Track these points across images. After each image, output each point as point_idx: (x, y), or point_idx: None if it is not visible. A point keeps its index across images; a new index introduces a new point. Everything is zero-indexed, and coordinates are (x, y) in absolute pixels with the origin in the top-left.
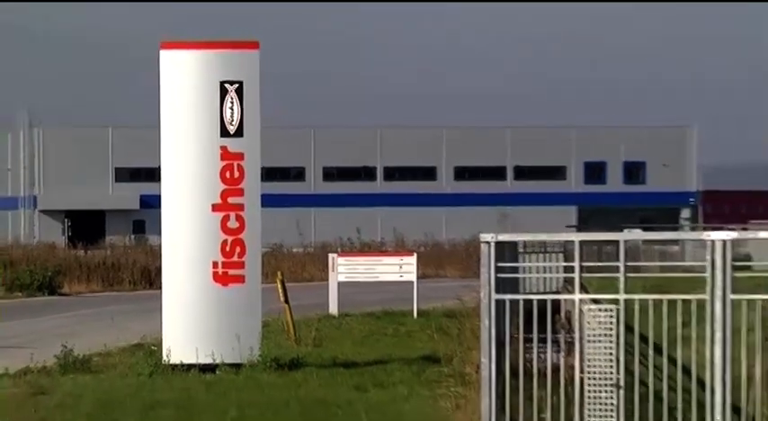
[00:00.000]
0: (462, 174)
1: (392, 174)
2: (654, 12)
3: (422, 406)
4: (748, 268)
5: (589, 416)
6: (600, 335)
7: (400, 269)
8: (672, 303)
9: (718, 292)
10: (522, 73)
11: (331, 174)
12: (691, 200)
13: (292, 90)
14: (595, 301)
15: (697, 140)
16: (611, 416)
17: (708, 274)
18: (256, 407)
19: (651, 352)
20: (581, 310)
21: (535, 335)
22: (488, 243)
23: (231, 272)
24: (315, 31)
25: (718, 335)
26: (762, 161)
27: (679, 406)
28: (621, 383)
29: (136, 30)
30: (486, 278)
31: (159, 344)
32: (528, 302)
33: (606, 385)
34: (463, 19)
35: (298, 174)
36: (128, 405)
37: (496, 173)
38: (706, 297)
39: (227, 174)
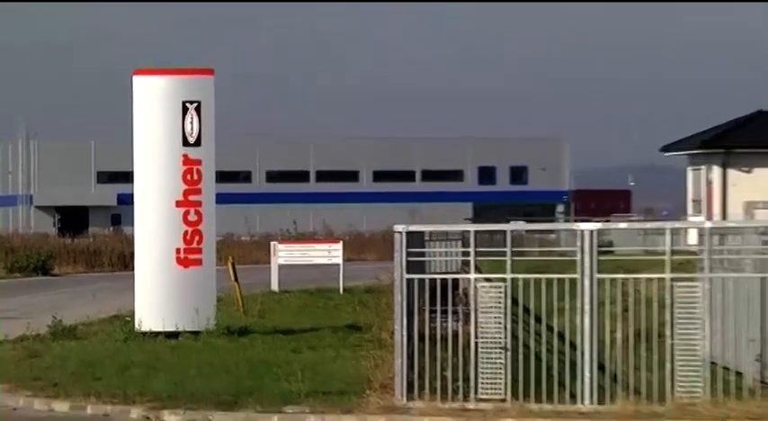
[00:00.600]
0: (379, 176)
1: (322, 176)
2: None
3: (346, 365)
4: (611, 253)
5: (482, 372)
6: (490, 307)
7: (329, 254)
8: (549, 281)
9: (587, 272)
10: (435, 86)
11: (272, 176)
12: (564, 197)
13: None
14: (487, 280)
15: (569, 149)
16: (500, 374)
17: (578, 258)
18: (212, 366)
19: (532, 321)
20: (475, 287)
21: (438, 307)
22: (400, 233)
23: (191, 256)
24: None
25: (587, 307)
26: (624, 164)
27: (555, 364)
28: (508, 346)
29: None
30: (398, 261)
31: (132, 316)
32: (432, 281)
33: (496, 348)
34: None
35: (246, 176)
36: (106, 365)
37: (407, 176)
38: (577, 276)
39: (188, 177)
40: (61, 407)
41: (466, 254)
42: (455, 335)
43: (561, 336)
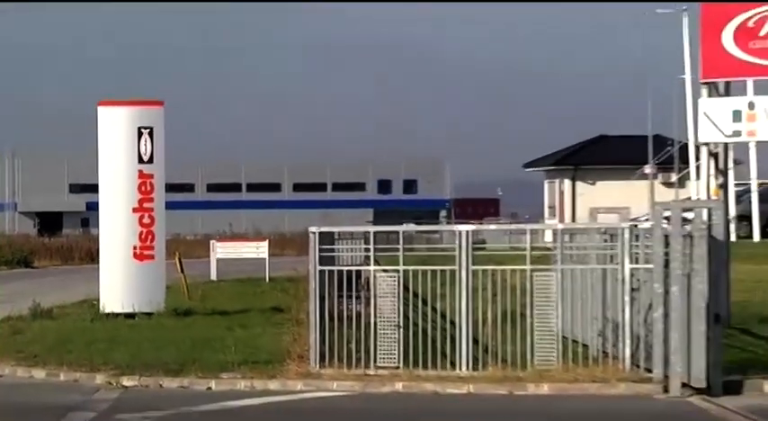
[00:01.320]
0: (298, 188)
1: (252, 187)
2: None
3: (271, 340)
4: (483, 249)
5: (380, 345)
6: (387, 293)
7: (257, 250)
8: (434, 272)
9: (464, 265)
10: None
11: (211, 187)
12: (446, 204)
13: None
14: (384, 271)
15: (450, 166)
16: (394, 346)
17: (456, 253)
18: (161, 340)
19: (420, 303)
20: (375, 277)
21: (345, 293)
22: (314, 233)
23: (145, 252)
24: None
25: (464, 292)
26: (494, 178)
27: (438, 339)
28: (401, 324)
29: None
30: (312, 256)
31: (97, 300)
32: (340, 272)
33: (391, 325)
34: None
35: (190, 187)
36: (76, 340)
37: (320, 187)
38: (456, 268)
39: (142, 188)
40: (39, 374)
41: (367, 250)
42: (358, 315)
43: (443, 316)
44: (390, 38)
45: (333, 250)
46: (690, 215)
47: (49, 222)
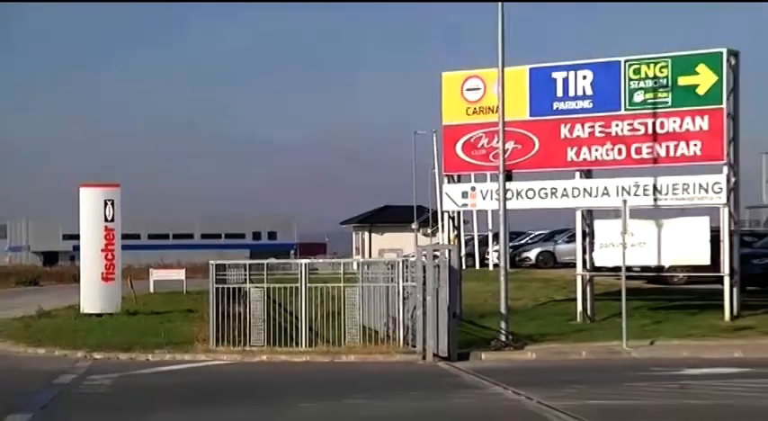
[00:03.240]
0: (204, 236)
1: (176, 236)
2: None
3: (186, 329)
4: (316, 273)
5: (252, 333)
6: (256, 300)
7: (178, 275)
8: (286, 287)
9: (303, 283)
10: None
11: (151, 236)
12: (294, 246)
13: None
14: (256, 287)
15: (297, 219)
16: (261, 333)
17: (299, 276)
18: (118, 330)
19: (277, 306)
20: (249, 291)
21: (231, 301)
22: (212, 264)
23: (109, 276)
24: None
25: (303, 299)
26: (324, 230)
27: (288, 328)
28: (265, 319)
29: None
30: (211, 278)
31: (79, 305)
32: (229, 288)
33: (259, 320)
34: None
35: (137, 236)
36: (65, 330)
37: (217, 236)
38: (299, 285)
39: (107, 237)
40: (41, 351)
41: (244, 274)
42: (239, 314)
43: (291, 314)
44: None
45: (224, 275)
46: (438, 253)
47: (50, 258)
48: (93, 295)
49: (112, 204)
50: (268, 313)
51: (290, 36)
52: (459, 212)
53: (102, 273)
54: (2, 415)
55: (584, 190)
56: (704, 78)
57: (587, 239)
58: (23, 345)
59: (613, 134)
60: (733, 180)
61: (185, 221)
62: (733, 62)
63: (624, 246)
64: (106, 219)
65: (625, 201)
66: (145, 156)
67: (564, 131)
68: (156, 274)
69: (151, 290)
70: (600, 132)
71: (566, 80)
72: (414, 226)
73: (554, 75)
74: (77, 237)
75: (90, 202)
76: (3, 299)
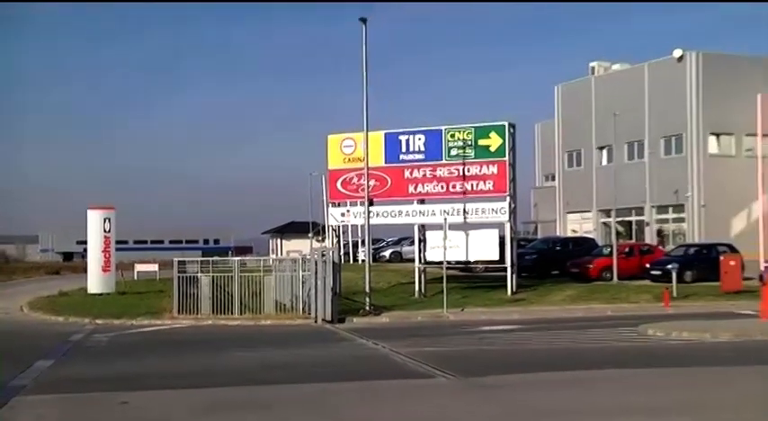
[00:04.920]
0: (171, 242)
1: (153, 242)
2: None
3: (159, 303)
4: (246, 266)
5: (203, 306)
6: (205, 284)
7: (153, 268)
8: (225, 276)
9: (236, 273)
10: None
11: (137, 242)
12: (231, 249)
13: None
14: (206, 275)
15: (234, 229)
16: (209, 305)
17: (234, 268)
18: (113, 304)
19: (219, 288)
20: (200, 278)
21: (190, 284)
22: (176, 260)
23: (106, 268)
24: None
25: (236, 284)
26: (251, 237)
27: (226, 302)
28: (210, 297)
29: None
30: (175, 270)
31: (87, 288)
32: (188, 276)
33: (207, 297)
34: None
35: (126, 242)
36: (77, 304)
37: (180, 242)
38: (233, 274)
39: (105, 243)
40: (60, 318)
41: (198, 267)
42: (194, 294)
43: (229, 293)
44: None
45: (184, 267)
46: (325, 253)
47: (67, 256)
48: (96, 281)
49: (109, 220)
50: (213, 293)
51: (216, 110)
52: (339, 226)
53: (102, 266)
54: (35, 360)
55: (420, 212)
56: (494, 141)
57: (422, 244)
58: (49, 314)
59: (438, 176)
60: (513, 205)
61: (159, 231)
62: (512, 131)
63: (444, 248)
64: (105, 231)
65: (445, 219)
66: (135, 188)
67: (406, 174)
68: (139, 268)
69: (135, 278)
70: (429, 174)
71: (407, 140)
72: (310, 235)
73: (400, 137)
74: (86, 242)
75: (94, 219)
76: (36, 283)
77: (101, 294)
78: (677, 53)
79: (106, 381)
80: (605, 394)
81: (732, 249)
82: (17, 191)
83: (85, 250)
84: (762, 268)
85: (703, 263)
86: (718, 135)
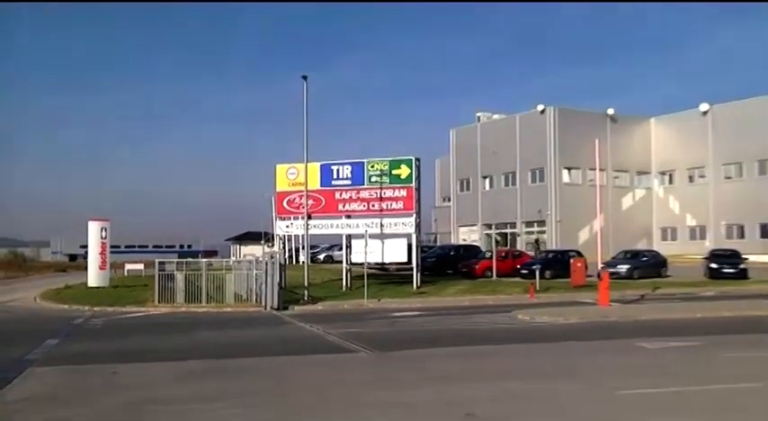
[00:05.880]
0: (155, 246)
1: (140, 246)
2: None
3: (144, 295)
4: (212, 265)
5: (177, 297)
6: (180, 280)
7: (140, 267)
8: (195, 274)
9: (204, 271)
10: None
11: (127, 246)
12: (201, 252)
13: None
14: (181, 272)
15: (202, 238)
16: (183, 296)
17: (203, 267)
18: (107, 296)
19: (191, 283)
20: (177, 275)
21: (168, 280)
22: (157, 261)
23: (102, 266)
24: None
25: (204, 279)
26: (217, 244)
27: (196, 294)
28: (184, 289)
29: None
30: (156, 268)
31: (86, 282)
32: (167, 274)
33: (182, 290)
34: None
35: (118, 246)
36: (79, 295)
37: (161, 246)
38: (202, 272)
39: (102, 247)
40: (65, 306)
41: (175, 266)
42: (171, 287)
43: (198, 287)
44: None
45: (164, 266)
46: (273, 256)
47: (72, 257)
48: (94, 277)
49: (105, 229)
50: (186, 286)
51: (193, 146)
52: (285, 235)
53: (99, 265)
54: (45, 339)
55: (347, 225)
56: (404, 171)
57: (348, 249)
58: (56, 303)
59: (361, 197)
60: (418, 220)
61: (144, 238)
62: (418, 163)
63: (365, 252)
64: (102, 237)
65: (366, 231)
66: (126, 203)
67: (337, 195)
68: (128, 266)
69: (125, 274)
70: (354, 196)
71: (338, 169)
72: (262, 242)
73: (332, 167)
74: (87, 246)
75: (94, 228)
76: (47, 279)
77: (98, 287)
78: (540, 107)
79: (101, 356)
80: (488, 362)
81: (579, 254)
82: (33, 205)
83: (86, 252)
84: (599, 268)
85: (558, 264)
86: (569, 169)
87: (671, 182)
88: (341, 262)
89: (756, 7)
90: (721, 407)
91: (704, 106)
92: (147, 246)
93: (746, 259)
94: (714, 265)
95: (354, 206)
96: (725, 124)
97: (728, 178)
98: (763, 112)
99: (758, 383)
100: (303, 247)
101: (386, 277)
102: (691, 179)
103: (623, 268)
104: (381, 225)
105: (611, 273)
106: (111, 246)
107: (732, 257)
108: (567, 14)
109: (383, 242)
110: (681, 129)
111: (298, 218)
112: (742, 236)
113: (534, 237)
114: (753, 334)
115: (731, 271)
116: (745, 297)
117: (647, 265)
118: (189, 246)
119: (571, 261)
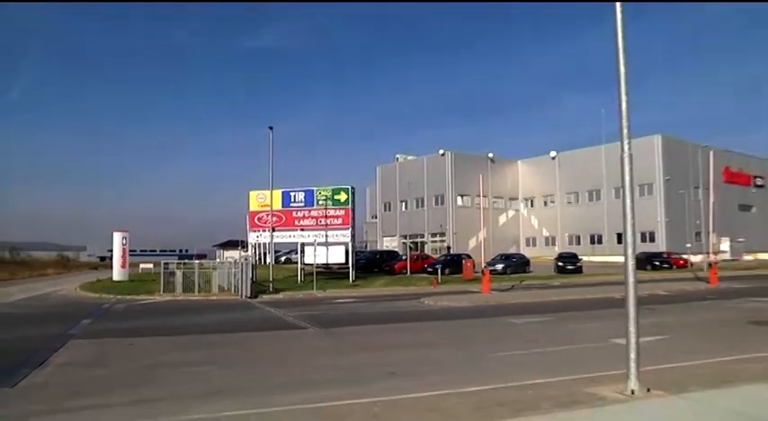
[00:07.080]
0: (161, 251)
1: (148, 251)
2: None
3: (153, 286)
4: (202, 265)
5: (176, 289)
6: (179, 275)
7: (151, 266)
8: (190, 271)
9: (197, 269)
10: None
11: (142, 250)
12: (194, 255)
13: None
14: (180, 270)
15: (195, 244)
16: (180, 288)
17: (195, 266)
18: (126, 287)
19: (187, 277)
20: (176, 272)
21: (170, 275)
22: (162, 262)
23: (124, 266)
24: None
25: (197, 274)
26: (205, 248)
27: (189, 285)
28: (181, 282)
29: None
30: (161, 267)
31: (112, 277)
32: (170, 271)
33: (180, 282)
34: None
35: (134, 251)
36: (107, 286)
37: (165, 251)
38: (195, 269)
39: (122, 251)
40: (94, 295)
41: (175, 265)
42: (173, 280)
43: (192, 280)
44: None
45: (167, 265)
46: (247, 258)
47: (102, 259)
48: (117, 273)
49: (126, 238)
50: (183, 280)
51: (191, 175)
52: (256, 243)
53: (121, 265)
54: (81, 319)
55: (301, 236)
56: (343, 196)
57: (302, 253)
58: (90, 292)
59: (311, 215)
60: (353, 232)
61: (154, 244)
62: (353, 190)
63: (315, 256)
64: (123, 244)
65: (315, 240)
66: (142, 217)
67: (294, 214)
68: (142, 266)
69: (140, 272)
70: (306, 215)
71: (295, 195)
72: (239, 248)
73: (291, 193)
74: (112, 250)
75: (117, 237)
76: (84, 275)
77: (120, 281)
78: (441, 152)
79: (122, 331)
80: (404, 335)
81: (469, 256)
82: (77, 219)
83: (112, 255)
84: (483, 266)
85: (454, 264)
86: (462, 195)
87: (532, 205)
88: (296, 262)
89: (595, 82)
90: (573, 360)
91: (553, 153)
92: (155, 251)
93: (581, 259)
94: (561, 264)
95: (307, 222)
96: (567, 166)
97: (570, 203)
98: (594, 157)
99: (599, 343)
100: (269, 252)
101: (329, 274)
102: (545, 203)
103: (500, 266)
104: (326, 236)
105: (491, 270)
106: (130, 251)
107: (572, 258)
108: (466, 85)
109: (327, 248)
110: (538, 169)
111: (265, 230)
112: (579, 243)
113: (441, 246)
114: (587, 310)
115: (572, 267)
116: (581, 285)
117: (516, 264)
118: (186, 251)
119: (463, 261)
